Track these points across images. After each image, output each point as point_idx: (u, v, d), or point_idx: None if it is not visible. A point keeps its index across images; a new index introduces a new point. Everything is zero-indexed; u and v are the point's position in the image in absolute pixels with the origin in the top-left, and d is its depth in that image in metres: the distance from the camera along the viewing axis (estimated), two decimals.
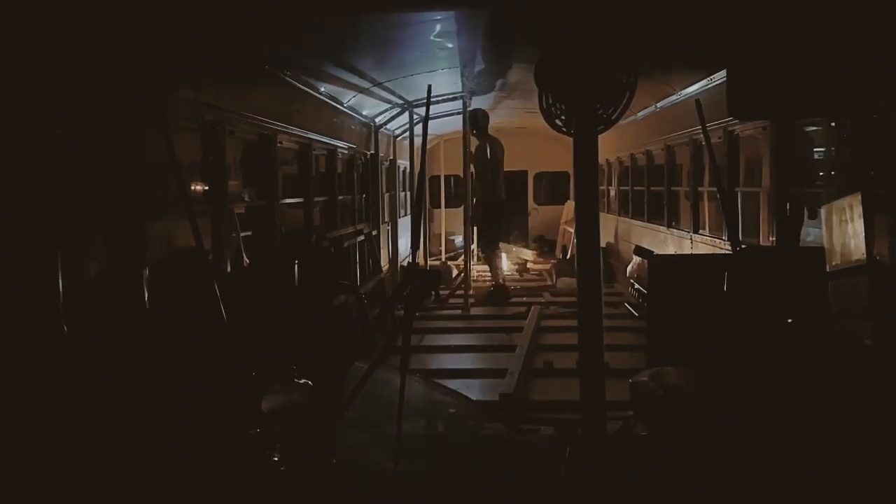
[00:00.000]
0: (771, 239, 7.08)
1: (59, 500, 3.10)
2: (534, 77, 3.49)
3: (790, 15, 4.61)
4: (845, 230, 5.09)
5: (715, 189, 7.79)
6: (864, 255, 4.79)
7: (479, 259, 14.67)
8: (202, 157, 5.47)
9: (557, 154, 17.00)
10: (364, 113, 11.19)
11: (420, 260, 8.52)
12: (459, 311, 10.96)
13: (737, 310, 4.61)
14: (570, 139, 3.48)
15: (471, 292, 11.56)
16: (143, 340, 4.01)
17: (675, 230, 10.93)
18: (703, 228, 9.75)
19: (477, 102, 12.05)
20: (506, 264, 15.40)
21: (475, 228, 12.90)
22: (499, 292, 11.94)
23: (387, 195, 13.22)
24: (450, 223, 16.71)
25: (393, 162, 13.96)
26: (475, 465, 4.21)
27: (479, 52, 8.47)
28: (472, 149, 12.20)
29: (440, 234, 16.81)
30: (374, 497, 3.52)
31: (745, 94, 4.87)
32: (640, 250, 9.78)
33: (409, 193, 14.97)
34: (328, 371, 3.63)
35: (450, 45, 7.86)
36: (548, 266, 15.28)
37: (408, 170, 14.59)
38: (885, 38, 4.52)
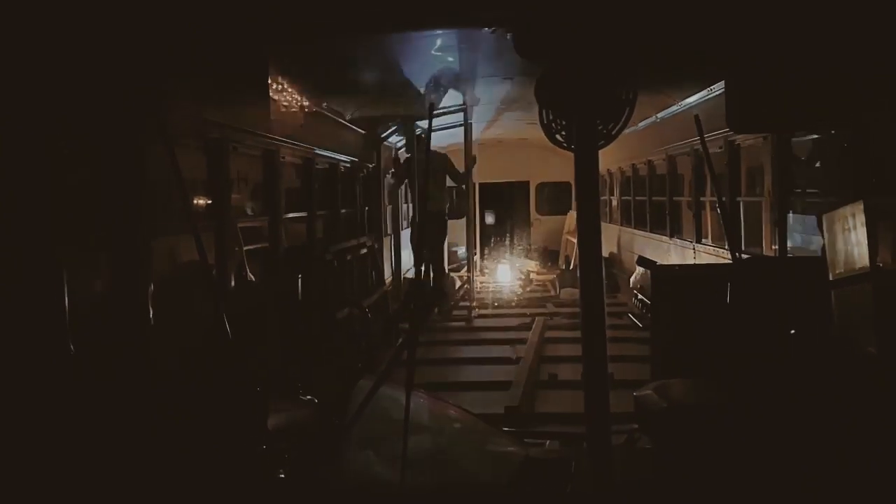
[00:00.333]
0: (773, 248, 7.09)
1: None
2: (534, 93, 3.53)
3: (788, 28, 4.64)
4: (847, 239, 5.09)
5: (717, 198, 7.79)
6: (867, 264, 4.80)
7: (482, 270, 14.68)
8: (206, 172, 5.50)
9: (559, 165, 17.04)
10: (366, 126, 11.25)
11: (423, 269, 8.55)
12: (463, 323, 10.96)
13: (739, 320, 4.61)
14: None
15: (475, 304, 11.56)
16: (148, 355, 4.03)
17: (677, 240, 10.94)
18: (706, 238, 9.75)
19: (478, 113, 12.09)
20: (509, 275, 15.42)
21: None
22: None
23: (389, 207, 13.26)
24: (452, 234, 16.75)
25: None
26: (480, 480, 4.20)
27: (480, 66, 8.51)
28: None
29: None
30: None
31: (743, 107, 4.90)
32: (642, 260, 9.77)
33: (410, 206, 15.01)
34: (333, 388, 3.64)
35: (450, 59, 7.91)
36: (551, 277, 15.29)
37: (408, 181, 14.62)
38: (882, 51, 4.54)
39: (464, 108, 11.15)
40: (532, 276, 15.88)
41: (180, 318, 4.47)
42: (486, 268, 16.65)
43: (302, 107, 7.84)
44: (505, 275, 15.60)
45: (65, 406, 3.32)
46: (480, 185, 17.82)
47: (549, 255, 18.20)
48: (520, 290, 14.11)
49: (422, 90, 9.03)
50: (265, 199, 6.95)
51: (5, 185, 3.26)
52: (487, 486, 4.12)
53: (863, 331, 4.65)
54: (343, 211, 9.98)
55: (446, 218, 12.40)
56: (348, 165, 10.35)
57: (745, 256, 6.38)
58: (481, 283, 14.33)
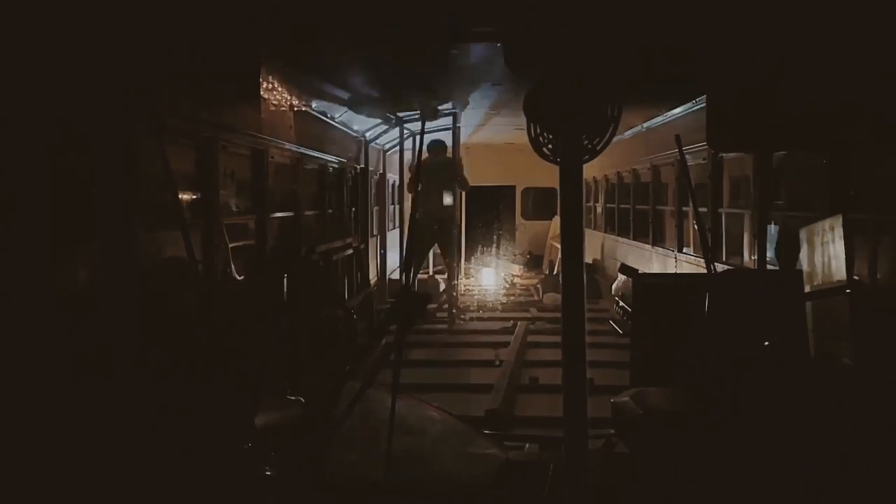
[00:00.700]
0: (753, 258, 7.21)
1: None
2: (523, 109, 3.62)
3: (767, 50, 4.77)
4: (826, 252, 5.21)
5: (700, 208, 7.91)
6: (845, 277, 4.91)
7: (466, 273, 14.75)
8: (195, 169, 5.54)
9: (545, 170, 17.03)
10: (355, 127, 11.29)
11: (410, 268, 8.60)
12: (445, 326, 11.02)
13: (716, 330, 4.71)
14: None
15: (458, 307, 11.62)
16: (137, 352, 4.06)
17: (659, 248, 11.06)
18: (688, 247, 9.88)
19: (467, 117, 12.17)
20: (494, 279, 15.49)
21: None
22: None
23: (375, 209, 13.30)
24: None
25: (382, 176, 14.05)
26: (460, 481, 4.27)
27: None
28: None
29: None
30: None
31: (723, 126, 5.03)
32: (625, 268, 9.86)
33: (397, 207, 15.06)
34: (319, 388, 3.69)
35: (441, 64, 7.97)
36: (535, 281, 15.39)
37: (396, 183, 14.69)
38: (858, 72, 4.67)
39: (453, 112, 11.22)
40: (516, 280, 15.97)
41: (168, 314, 4.51)
42: (471, 271, 16.72)
43: (291, 106, 7.88)
44: (489, 279, 15.68)
45: (53, 403, 3.35)
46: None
47: (533, 260, 18.30)
48: (504, 295, 14.19)
49: (413, 95, 9.09)
50: (253, 198, 6.98)
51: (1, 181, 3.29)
52: (467, 487, 4.19)
53: (839, 342, 4.77)
54: (330, 211, 10.02)
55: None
56: (336, 166, 10.40)
57: (720, 267, 6.49)
58: (465, 286, 14.39)
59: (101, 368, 3.71)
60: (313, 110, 8.85)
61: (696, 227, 8.15)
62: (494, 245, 18.14)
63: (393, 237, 14.07)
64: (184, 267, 4.14)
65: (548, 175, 19.37)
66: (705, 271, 5.25)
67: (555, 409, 4.31)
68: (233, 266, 6.08)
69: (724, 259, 8.10)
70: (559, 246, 3.88)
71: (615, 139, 3.74)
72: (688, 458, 3.93)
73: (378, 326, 7.88)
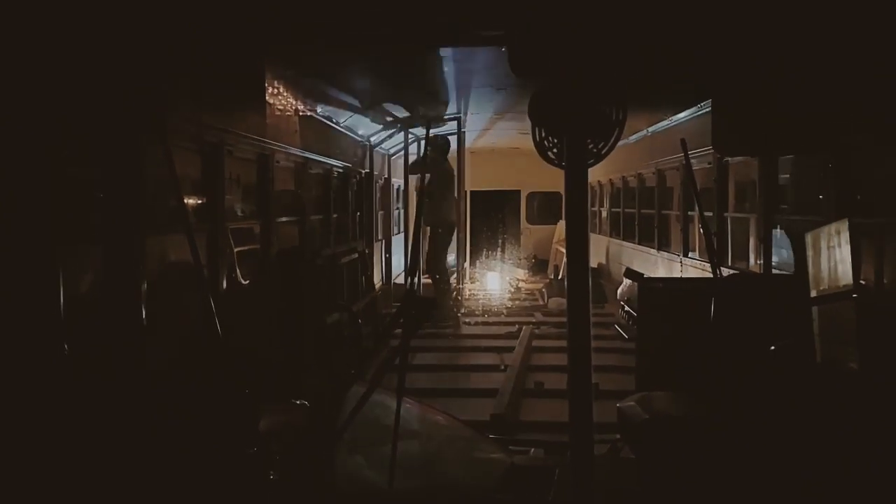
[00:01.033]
0: (759, 262, 7.20)
1: None
2: (528, 112, 3.62)
3: (772, 56, 4.77)
4: (831, 256, 5.19)
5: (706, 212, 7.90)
6: (850, 281, 4.89)
7: (470, 278, 14.74)
8: (201, 174, 5.55)
9: (550, 174, 17.05)
10: (360, 132, 11.31)
11: (415, 272, 8.62)
12: (451, 330, 11.02)
13: (721, 334, 4.70)
14: None
15: (462, 311, 11.62)
16: (141, 356, 4.07)
17: (665, 252, 11.05)
18: (693, 251, 9.86)
19: (472, 122, 12.19)
20: (498, 284, 15.49)
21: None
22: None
23: (380, 213, 13.32)
24: None
25: (387, 180, 14.07)
26: (465, 485, 4.26)
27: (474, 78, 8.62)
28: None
29: None
30: None
31: (728, 131, 5.03)
32: (630, 272, 9.87)
33: (402, 211, 15.08)
34: (324, 392, 3.69)
35: (445, 69, 8.00)
36: (539, 286, 15.37)
37: (401, 188, 14.70)
38: (862, 77, 4.66)
39: (458, 118, 11.24)
40: (521, 285, 15.96)
41: (173, 318, 4.52)
42: (476, 275, 16.73)
43: (296, 111, 7.90)
44: (494, 283, 15.68)
45: (57, 406, 3.35)
46: (472, 193, 17.92)
47: (538, 265, 18.29)
48: (509, 299, 14.19)
49: (418, 100, 9.12)
50: (258, 203, 7.00)
51: (3, 185, 3.30)
52: (473, 491, 4.18)
53: (845, 347, 4.74)
54: (335, 216, 10.03)
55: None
56: (341, 170, 10.41)
57: (726, 272, 6.48)
58: (470, 291, 14.39)
59: (105, 372, 3.71)
60: (318, 115, 8.87)
61: (701, 231, 8.14)
62: (499, 249, 18.15)
63: (398, 241, 14.09)
64: (189, 271, 4.15)
65: (553, 179, 19.48)
66: (711, 275, 5.24)
67: (560, 413, 4.31)
68: (238, 270, 6.09)
69: (729, 263, 8.09)
70: (564, 250, 3.88)
71: (620, 143, 3.74)
72: (694, 463, 3.92)
73: (383, 330, 7.88)
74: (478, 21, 4.78)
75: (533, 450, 5.56)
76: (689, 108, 8.57)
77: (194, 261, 3.86)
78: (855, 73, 4.71)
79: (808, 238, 5.55)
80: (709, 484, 3.85)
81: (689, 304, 5.22)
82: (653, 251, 11.61)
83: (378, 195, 13.11)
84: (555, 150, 3.64)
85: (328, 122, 9.45)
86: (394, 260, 13.41)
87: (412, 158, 12.80)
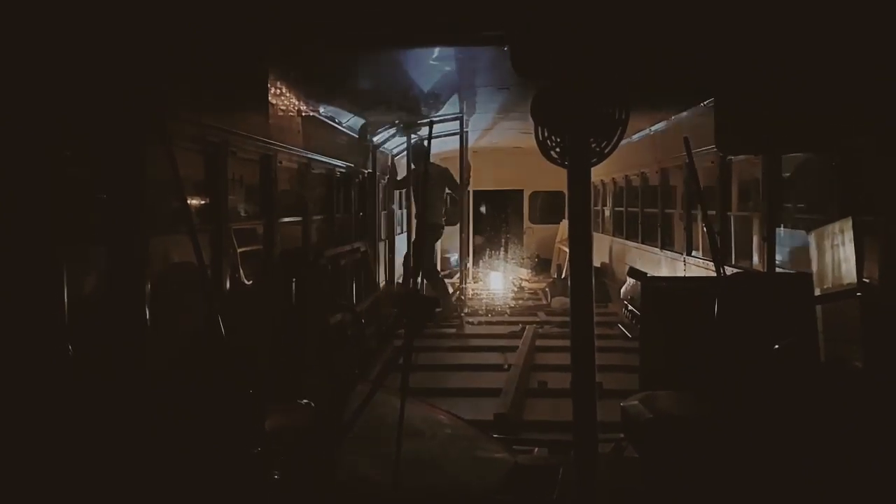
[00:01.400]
0: (762, 261, 7.18)
1: None
2: (530, 112, 3.62)
3: (775, 53, 4.76)
4: (836, 255, 5.18)
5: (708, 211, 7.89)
6: (855, 279, 4.88)
7: (474, 277, 14.75)
8: (204, 175, 5.56)
9: (552, 174, 17.03)
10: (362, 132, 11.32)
11: (417, 273, 8.63)
12: (454, 330, 11.02)
13: (725, 333, 4.70)
14: None
15: (466, 311, 11.62)
16: (145, 356, 4.08)
17: (668, 252, 11.04)
18: (697, 250, 9.85)
19: (475, 122, 12.19)
20: (501, 283, 15.48)
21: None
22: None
23: (383, 213, 13.32)
24: (446, 241, 16.83)
25: (390, 180, 14.08)
26: (469, 485, 4.26)
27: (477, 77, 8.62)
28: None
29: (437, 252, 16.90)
30: None
31: (731, 129, 5.02)
32: (633, 272, 9.87)
33: (405, 211, 15.08)
34: (328, 392, 3.70)
35: (448, 69, 8.00)
36: (543, 285, 15.36)
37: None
38: (866, 76, 4.66)
39: (460, 117, 11.24)
40: (524, 284, 15.96)
41: (177, 318, 4.52)
42: (479, 275, 16.73)
43: (299, 111, 7.91)
44: (497, 282, 15.67)
45: (62, 407, 3.36)
46: (475, 192, 17.93)
47: (541, 264, 18.28)
48: (512, 299, 14.19)
49: (419, 99, 9.12)
50: (261, 203, 7.00)
51: (5, 185, 3.31)
52: (476, 491, 4.18)
53: (850, 345, 4.74)
54: (338, 216, 10.04)
55: (442, 230, 12.51)
56: (344, 171, 10.42)
57: (729, 271, 6.47)
58: (473, 290, 14.39)
59: (109, 373, 3.72)
60: (321, 115, 8.88)
61: (704, 230, 8.13)
62: (502, 249, 18.15)
63: (401, 241, 14.09)
64: (192, 271, 4.15)
65: (556, 179, 19.46)
66: (714, 275, 5.23)
67: (564, 412, 4.31)
68: (241, 271, 6.09)
69: (733, 262, 8.08)
70: (567, 250, 3.87)
71: (623, 142, 3.74)
72: (697, 463, 3.92)
73: (386, 330, 7.89)
74: (479, 21, 4.78)
75: (536, 449, 5.56)
76: (691, 106, 8.56)
77: (198, 261, 3.87)
78: (859, 71, 4.70)
79: (813, 236, 5.55)
80: (712, 483, 3.85)
81: (693, 304, 5.22)
82: (656, 250, 11.60)
83: (381, 195, 13.12)
84: (557, 150, 3.64)
85: (331, 122, 9.46)
86: (396, 259, 13.41)
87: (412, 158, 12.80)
